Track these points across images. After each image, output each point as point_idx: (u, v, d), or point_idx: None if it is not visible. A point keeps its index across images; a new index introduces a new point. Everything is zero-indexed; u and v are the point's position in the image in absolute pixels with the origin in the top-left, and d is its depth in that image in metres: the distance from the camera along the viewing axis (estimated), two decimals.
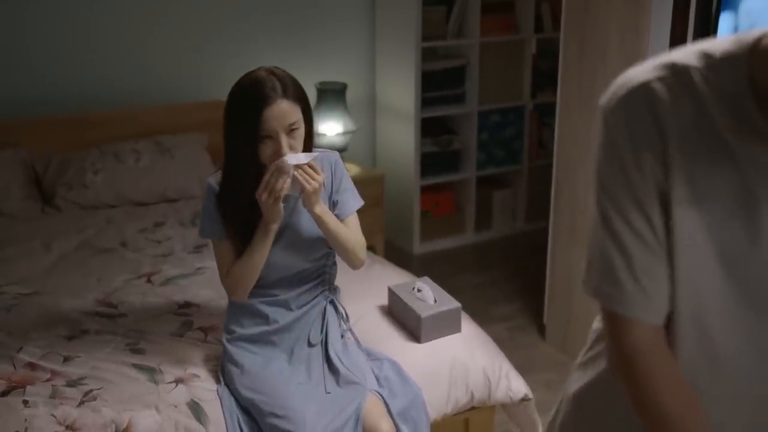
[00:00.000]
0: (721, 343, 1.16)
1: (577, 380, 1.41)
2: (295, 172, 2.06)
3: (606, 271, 1.15)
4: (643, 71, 1.13)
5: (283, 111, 2.05)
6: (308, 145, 2.17)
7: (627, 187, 1.11)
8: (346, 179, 2.31)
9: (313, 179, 2.08)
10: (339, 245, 2.23)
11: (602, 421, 1.35)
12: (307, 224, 2.22)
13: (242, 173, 2.12)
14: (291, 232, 2.23)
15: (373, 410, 2.16)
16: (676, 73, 1.10)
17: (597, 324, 1.38)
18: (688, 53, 1.11)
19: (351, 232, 2.26)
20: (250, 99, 2.05)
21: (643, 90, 1.10)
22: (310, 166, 2.09)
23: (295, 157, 2.06)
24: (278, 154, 2.06)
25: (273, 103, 2.04)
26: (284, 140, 2.06)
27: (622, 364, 1.17)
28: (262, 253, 2.15)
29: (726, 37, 1.11)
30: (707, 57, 1.09)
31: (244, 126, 2.06)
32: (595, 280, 1.17)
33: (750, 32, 1.07)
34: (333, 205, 2.28)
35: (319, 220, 2.16)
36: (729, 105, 1.06)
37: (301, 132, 2.11)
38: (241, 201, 2.14)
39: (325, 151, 2.32)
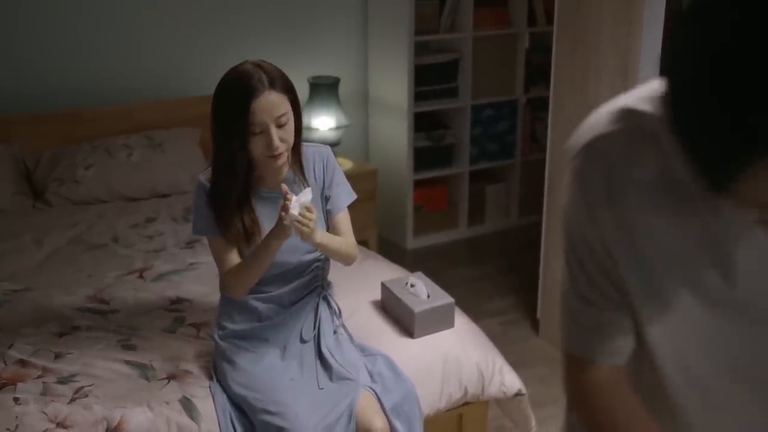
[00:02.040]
0: (706, 375, 1.15)
1: None
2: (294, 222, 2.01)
3: (568, 316, 1.15)
4: (601, 122, 1.08)
5: (272, 102, 2.04)
6: (297, 140, 2.15)
7: (582, 235, 1.09)
8: (339, 173, 2.30)
9: (307, 226, 2.03)
10: (335, 256, 2.25)
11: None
12: None
13: (233, 169, 2.10)
14: None
15: (366, 406, 2.16)
16: (635, 124, 1.05)
17: None
18: (646, 99, 1.05)
19: (343, 233, 2.27)
20: (237, 92, 2.04)
21: (598, 145, 1.06)
22: (308, 209, 2.03)
23: (297, 203, 2.00)
24: (270, 147, 2.05)
25: (260, 95, 2.02)
26: (275, 133, 2.05)
27: (583, 402, 1.17)
28: (265, 264, 2.13)
29: None
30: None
31: (233, 121, 2.04)
32: (562, 324, 1.17)
33: None
34: (326, 200, 2.27)
35: (320, 247, 2.15)
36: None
37: (291, 125, 2.10)
38: (232, 197, 2.13)
39: (317, 145, 2.31)
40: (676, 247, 1.05)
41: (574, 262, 1.12)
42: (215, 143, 2.13)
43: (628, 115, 1.06)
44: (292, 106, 2.10)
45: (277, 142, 2.05)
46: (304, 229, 2.02)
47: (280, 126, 2.06)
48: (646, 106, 1.04)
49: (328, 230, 2.27)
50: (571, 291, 1.14)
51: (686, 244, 1.05)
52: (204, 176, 2.18)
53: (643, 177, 1.04)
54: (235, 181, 2.11)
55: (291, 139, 2.10)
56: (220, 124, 2.09)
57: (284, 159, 2.12)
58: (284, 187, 2.04)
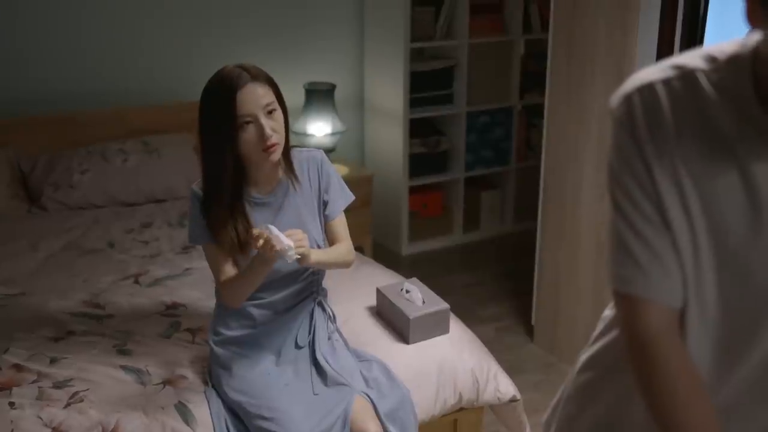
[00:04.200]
0: (715, 316, 1.19)
1: (586, 352, 1.43)
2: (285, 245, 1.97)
3: (624, 255, 1.17)
4: (650, 72, 1.16)
5: (257, 92, 2.04)
6: (286, 133, 2.15)
7: (632, 175, 1.14)
8: (334, 176, 2.30)
9: (302, 246, 2.02)
10: (332, 268, 2.27)
11: (615, 377, 1.35)
12: (293, 227, 2.19)
13: (223, 174, 2.09)
14: None
15: (361, 411, 2.16)
16: (682, 74, 1.13)
17: (608, 311, 1.40)
18: (695, 56, 1.15)
19: (340, 237, 2.27)
20: (220, 89, 2.04)
21: (645, 90, 1.14)
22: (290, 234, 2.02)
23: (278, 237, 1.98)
24: (263, 137, 2.05)
25: (244, 87, 2.03)
26: (266, 122, 2.04)
27: (636, 350, 1.18)
28: (259, 278, 2.13)
29: (732, 40, 1.14)
30: (713, 60, 1.13)
31: (220, 118, 2.04)
32: (614, 267, 1.19)
33: (754, 35, 1.10)
34: (324, 205, 2.27)
35: (317, 265, 2.17)
36: (732, 105, 1.09)
37: (279, 114, 2.09)
38: (223, 204, 2.12)
39: (309, 149, 2.30)
40: (712, 193, 1.11)
41: (625, 199, 1.16)
42: (204, 149, 2.12)
43: (673, 66, 1.14)
44: (278, 101, 2.10)
45: (269, 130, 2.04)
46: (303, 251, 2.02)
47: (269, 115, 2.06)
48: (691, 61, 1.13)
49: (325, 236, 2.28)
50: (625, 228, 1.17)
51: (719, 188, 1.10)
52: (197, 185, 2.17)
53: (683, 121, 1.11)
54: (226, 186, 2.10)
55: (281, 130, 2.09)
56: (207, 125, 2.09)
57: (279, 154, 2.10)
58: (253, 231, 2.00)
